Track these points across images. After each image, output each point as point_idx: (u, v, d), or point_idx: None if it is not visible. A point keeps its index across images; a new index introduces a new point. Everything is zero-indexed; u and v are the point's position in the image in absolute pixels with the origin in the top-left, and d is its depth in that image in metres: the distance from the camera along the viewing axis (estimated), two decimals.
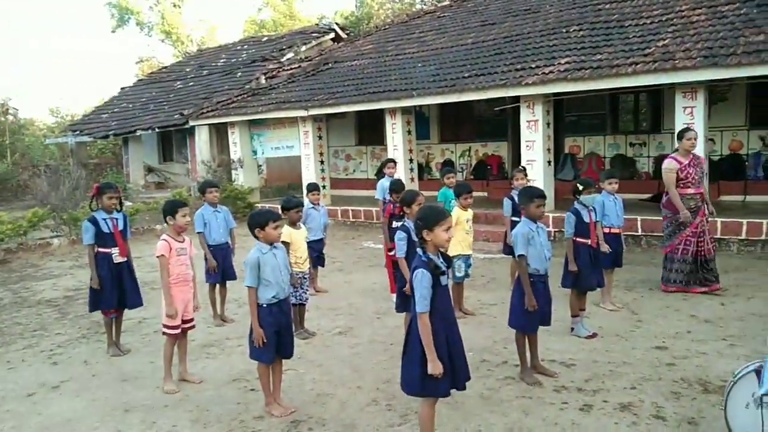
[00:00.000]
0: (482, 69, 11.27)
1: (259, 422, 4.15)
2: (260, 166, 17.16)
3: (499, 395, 4.40)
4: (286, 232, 5.68)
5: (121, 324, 5.82)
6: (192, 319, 4.99)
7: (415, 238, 4.96)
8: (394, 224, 6.46)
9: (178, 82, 20.88)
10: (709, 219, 6.97)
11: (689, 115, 8.84)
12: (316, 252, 7.17)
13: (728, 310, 6.20)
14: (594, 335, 5.56)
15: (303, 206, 5.98)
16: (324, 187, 14.03)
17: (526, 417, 4.04)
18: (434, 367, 3.25)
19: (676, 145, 7.01)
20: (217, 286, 6.60)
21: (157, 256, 4.73)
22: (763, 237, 8.49)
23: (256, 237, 4.23)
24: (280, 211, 5.97)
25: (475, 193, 13.18)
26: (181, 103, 18.33)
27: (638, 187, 11.77)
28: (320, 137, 13.99)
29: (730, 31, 9.11)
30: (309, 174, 13.75)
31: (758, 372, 3.33)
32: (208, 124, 16.11)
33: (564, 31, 11.68)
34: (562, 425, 3.90)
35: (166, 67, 25.56)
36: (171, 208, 4.76)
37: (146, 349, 5.80)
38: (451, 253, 6.32)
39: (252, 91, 15.90)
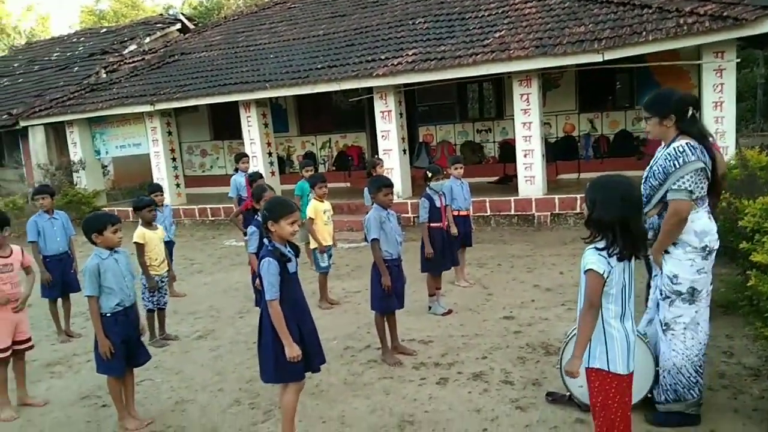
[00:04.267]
0: (335, 60, 11.34)
1: None
2: (106, 166, 15.98)
3: (362, 379, 4.50)
4: (140, 233, 5.38)
5: None
6: (29, 339, 4.55)
7: None
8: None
9: (5, 79, 18.77)
10: None
11: (525, 101, 9.56)
12: None
13: (566, 278, 6.81)
14: (449, 312, 5.86)
15: (155, 205, 5.68)
16: (178, 185, 13.42)
17: (387, 397, 4.17)
18: (291, 350, 3.28)
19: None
20: (59, 300, 6.07)
21: None
22: None
23: (94, 243, 3.94)
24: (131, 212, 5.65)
25: (337, 184, 13.39)
26: (9, 101, 16.51)
27: (486, 171, 12.54)
28: (170, 133, 13.31)
29: (557, 23, 9.95)
30: (160, 172, 13.05)
31: None
32: (44, 124, 14.70)
33: (410, 23, 12.07)
34: (420, 400, 4.07)
35: None
36: None
37: None
38: (314, 244, 6.36)
39: (91, 87, 14.71)
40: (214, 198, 13.57)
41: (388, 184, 4.78)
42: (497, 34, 10.15)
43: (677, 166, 3.26)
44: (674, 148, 3.31)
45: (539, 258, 7.83)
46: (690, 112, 3.36)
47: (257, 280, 4.83)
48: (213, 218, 12.60)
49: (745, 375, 4.03)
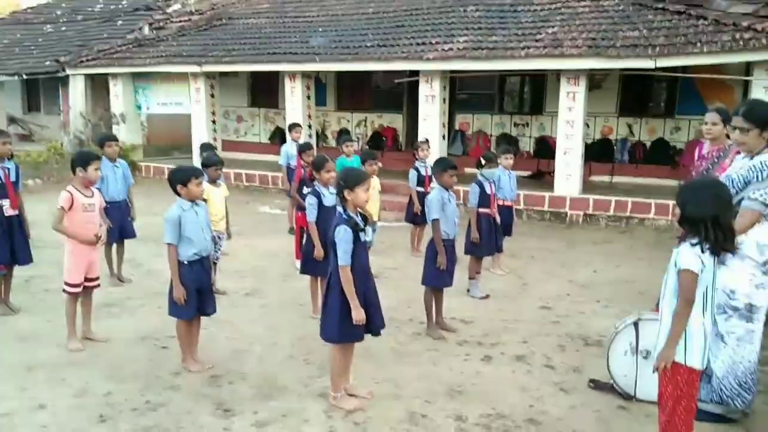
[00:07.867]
0: (384, 40, 11.44)
1: (177, 377, 4.16)
2: (142, 123, 16.23)
3: (408, 349, 4.73)
4: (204, 188, 5.59)
5: (11, 282, 5.44)
6: (97, 278, 4.81)
7: (325, 204, 5.13)
8: (305, 189, 6.50)
9: (48, 26, 19.00)
10: None
11: (572, 99, 9.65)
12: None
13: (600, 276, 6.98)
14: (487, 296, 6.06)
15: (223, 164, 5.91)
16: (215, 148, 13.61)
17: (435, 367, 4.39)
18: (358, 313, 3.55)
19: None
20: (114, 244, 6.34)
21: (58, 208, 4.49)
22: (628, 213, 9.54)
23: (178, 194, 4.16)
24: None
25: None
26: (53, 48, 16.74)
27: (520, 165, 12.58)
28: (212, 95, 13.52)
29: (610, 25, 10.00)
30: (200, 134, 13.27)
31: (636, 324, 3.89)
32: (85, 74, 14.94)
33: (461, 10, 12.11)
34: (467, 374, 4.29)
35: (32, 8, 23.11)
36: (84, 160, 4.54)
37: (39, 307, 5.49)
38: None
39: (138, 42, 14.91)
40: (247, 164, 13.78)
41: (453, 166, 4.96)
42: (550, 30, 10.21)
43: (760, 179, 3.37)
44: (761, 162, 3.41)
45: (572, 254, 7.99)
46: None
47: (315, 250, 5.06)
48: (248, 183, 12.81)
49: None
